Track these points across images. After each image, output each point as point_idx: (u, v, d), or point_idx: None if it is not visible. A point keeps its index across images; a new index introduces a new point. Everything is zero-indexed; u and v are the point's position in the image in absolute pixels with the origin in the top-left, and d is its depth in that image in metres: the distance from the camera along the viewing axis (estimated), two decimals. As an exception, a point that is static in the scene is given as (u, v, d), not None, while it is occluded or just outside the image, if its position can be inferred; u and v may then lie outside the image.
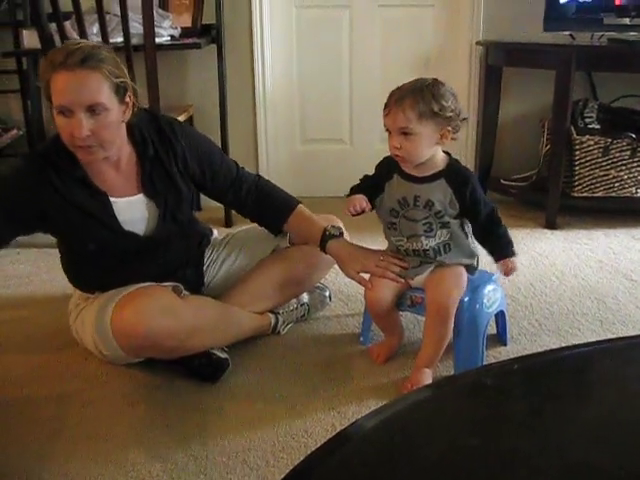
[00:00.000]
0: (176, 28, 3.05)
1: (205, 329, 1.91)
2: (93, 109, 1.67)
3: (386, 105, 1.78)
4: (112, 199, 1.85)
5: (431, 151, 1.81)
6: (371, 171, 1.95)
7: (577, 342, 2.07)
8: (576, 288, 2.50)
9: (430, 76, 3.57)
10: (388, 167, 1.89)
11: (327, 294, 2.33)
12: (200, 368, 1.92)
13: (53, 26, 2.62)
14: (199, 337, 1.89)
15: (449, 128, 1.78)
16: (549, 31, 3.10)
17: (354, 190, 1.92)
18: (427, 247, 1.86)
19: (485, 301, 1.94)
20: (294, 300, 2.22)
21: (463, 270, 1.90)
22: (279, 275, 2.12)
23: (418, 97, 1.74)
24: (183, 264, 2.08)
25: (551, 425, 0.92)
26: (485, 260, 2.73)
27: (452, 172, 1.84)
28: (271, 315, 2.15)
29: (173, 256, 2.03)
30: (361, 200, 1.88)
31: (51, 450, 1.68)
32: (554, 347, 2.03)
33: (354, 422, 0.94)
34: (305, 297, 2.25)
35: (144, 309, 1.81)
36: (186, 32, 3.11)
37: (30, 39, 2.94)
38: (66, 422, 1.78)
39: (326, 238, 1.97)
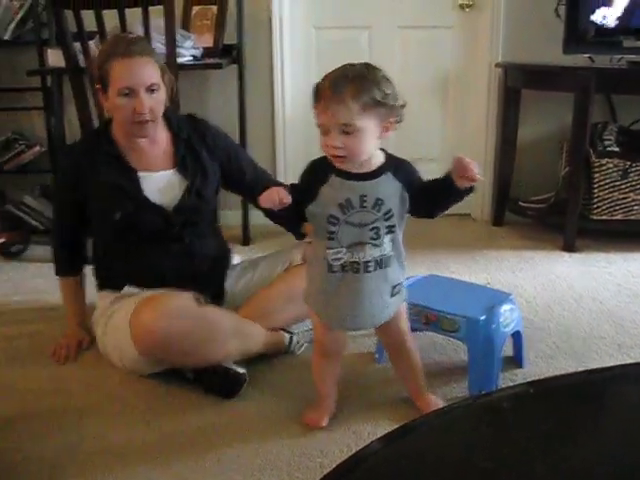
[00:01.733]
0: (198, 48, 3.09)
1: (220, 337, 1.95)
2: (152, 88, 1.97)
3: (318, 98, 1.53)
4: (144, 174, 2.06)
5: (374, 146, 1.60)
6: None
7: (594, 366, 2.06)
8: (594, 311, 2.48)
9: (450, 98, 3.58)
10: (320, 169, 1.63)
11: None
12: (217, 384, 1.94)
13: (77, 45, 2.67)
14: (214, 344, 1.93)
15: (391, 119, 1.56)
16: (568, 54, 3.11)
17: None
18: (370, 258, 1.63)
19: (501, 321, 1.93)
20: (309, 320, 2.22)
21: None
22: (289, 290, 2.14)
23: (359, 86, 1.50)
24: (208, 262, 2.15)
25: (566, 450, 0.91)
26: (503, 281, 2.74)
27: (394, 164, 1.63)
28: (285, 334, 2.16)
29: (198, 241, 2.12)
30: (280, 191, 1.56)
31: (68, 463, 1.69)
32: (571, 370, 2.02)
33: (370, 443, 0.94)
34: None
35: (162, 310, 1.89)
36: (208, 52, 3.15)
37: (54, 58, 3.00)
38: (84, 436, 1.80)
39: None
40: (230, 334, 1.98)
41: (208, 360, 1.94)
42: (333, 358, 1.83)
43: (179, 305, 1.94)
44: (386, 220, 1.62)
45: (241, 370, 1.96)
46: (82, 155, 2.10)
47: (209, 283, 2.16)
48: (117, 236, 2.11)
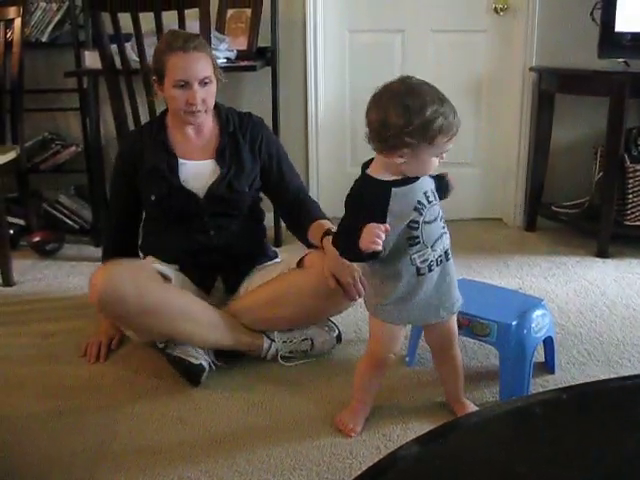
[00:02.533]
0: (232, 51, 3.11)
1: (157, 313, 1.99)
2: (205, 81, 2.10)
3: (449, 130, 1.55)
4: (184, 161, 2.19)
5: None
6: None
7: (627, 373, 2.04)
8: (627, 318, 2.46)
9: (483, 102, 3.55)
10: (377, 190, 1.63)
11: (335, 335, 2.23)
12: (181, 373, 2.05)
13: (114, 47, 2.71)
14: (157, 316, 1.99)
15: None
16: (603, 58, 3.08)
17: (347, 240, 1.61)
18: (448, 247, 1.71)
19: (533, 326, 1.92)
20: (297, 333, 2.18)
21: None
22: (275, 291, 2.13)
23: (443, 98, 1.57)
24: (230, 259, 2.22)
25: (598, 456, 0.91)
26: (535, 286, 2.72)
27: None
28: (266, 339, 2.15)
29: (223, 237, 2.20)
30: (378, 225, 1.55)
31: (100, 461, 1.71)
32: (603, 377, 2.00)
33: (400, 447, 0.94)
34: (311, 332, 2.20)
35: (114, 270, 2.01)
36: (242, 55, 3.17)
37: (91, 59, 3.04)
38: (115, 434, 1.82)
39: (325, 233, 2.07)
40: (176, 313, 2.02)
41: (159, 333, 2.06)
42: (385, 369, 1.83)
43: (130, 273, 2.02)
44: (440, 208, 1.70)
45: (196, 361, 2.01)
46: (136, 141, 2.26)
47: (224, 278, 2.24)
48: (153, 217, 2.26)
